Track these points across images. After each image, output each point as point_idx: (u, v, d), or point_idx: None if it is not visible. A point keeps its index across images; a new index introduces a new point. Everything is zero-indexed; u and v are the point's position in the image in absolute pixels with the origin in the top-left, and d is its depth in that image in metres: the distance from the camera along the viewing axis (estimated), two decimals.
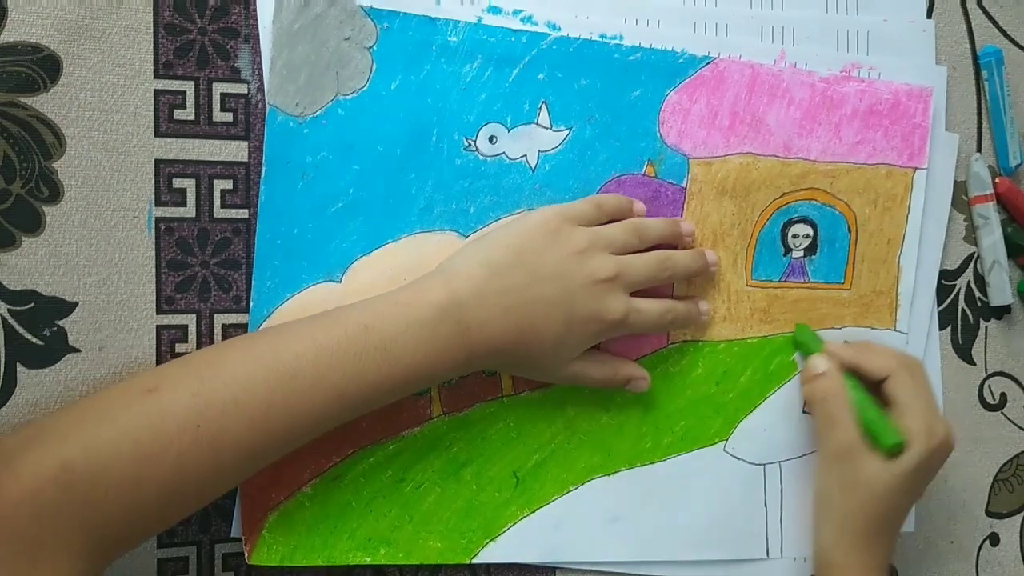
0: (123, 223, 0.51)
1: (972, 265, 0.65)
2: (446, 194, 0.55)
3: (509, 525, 0.56)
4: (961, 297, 0.65)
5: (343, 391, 0.46)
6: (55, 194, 0.50)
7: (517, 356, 0.51)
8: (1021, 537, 0.66)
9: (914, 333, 0.63)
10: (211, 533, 0.53)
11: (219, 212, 0.53)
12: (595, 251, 0.52)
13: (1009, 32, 0.66)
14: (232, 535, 0.53)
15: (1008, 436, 0.66)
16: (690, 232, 0.57)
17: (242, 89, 0.53)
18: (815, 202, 0.60)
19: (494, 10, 0.56)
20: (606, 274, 0.51)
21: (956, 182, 0.64)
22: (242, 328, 0.53)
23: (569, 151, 0.57)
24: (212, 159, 0.53)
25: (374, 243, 0.54)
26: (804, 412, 0.60)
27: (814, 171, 0.60)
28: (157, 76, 0.52)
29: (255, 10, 0.53)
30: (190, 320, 0.52)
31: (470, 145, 0.56)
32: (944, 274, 0.65)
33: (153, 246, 0.52)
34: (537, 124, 0.56)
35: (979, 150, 0.66)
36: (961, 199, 0.65)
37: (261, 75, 0.53)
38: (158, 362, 0.52)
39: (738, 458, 0.59)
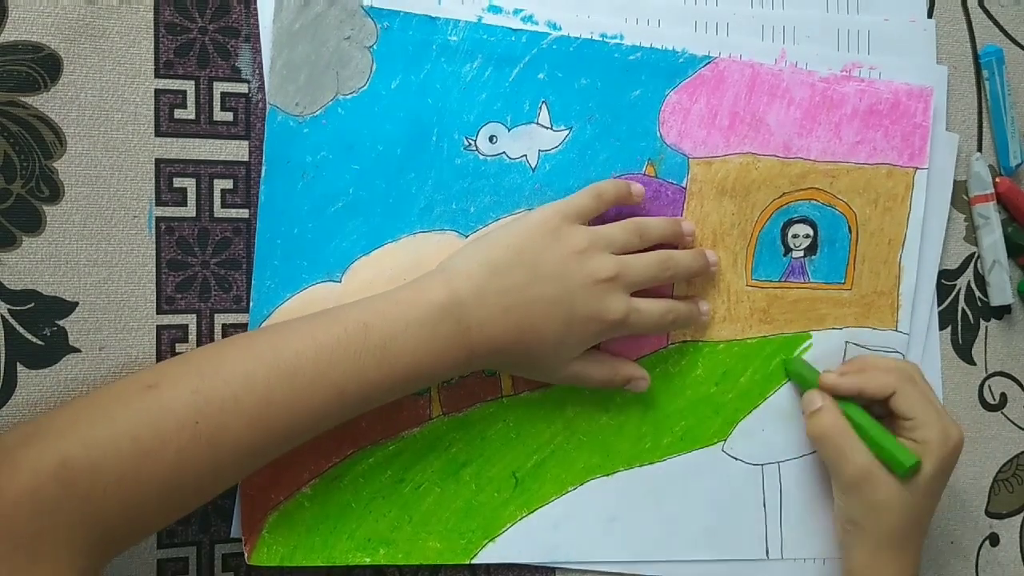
0: (123, 223, 0.51)
1: (972, 265, 0.65)
2: (446, 194, 0.55)
3: (508, 525, 0.56)
4: (961, 297, 0.65)
5: (343, 389, 0.46)
6: (55, 194, 0.50)
7: (517, 355, 0.51)
8: (1021, 537, 0.66)
9: (914, 333, 0.63)
10: (211, 533, 0.53)
11: (219, 212, 0.53)
12: (595, 251, 0.52)
13: (1010, 31, 0.66)
14: (232, 535, 0.53)
15: (1008, 436, 0.66)
16: (691, 232, 0.57)
17: (242, 88, 0.53)
18: (815, 202, 0.60)
19: (494, 9, 0.56)
20: (606, 274, 0.51)
21: (956, 182, 0.64)
22: (242, 328, 0.53)
23: (569, 151, 0.57)
24: (212, 159, 0.53)
25: (374, 243, 0.54)
26: (803, 413, 0.60)
27: (814, 171, 0.60)
28: (158, 75, 0.52)
29: (255, 9, 0.53)
30: (190, 320, 0.52)
31: (470, 145, 0.56)
32: (944, 274, 0.65)
33: (153, 246, 0.52)
34: (537, 124, 0.56)
35: (979, 150, 0.66)
36: (961, 199, 0.65)
37: (261, 74, 0.53)
38: (158, 362, 0.52)
39: (737, 459, 0.59)
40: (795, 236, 0.60)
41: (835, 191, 0.61)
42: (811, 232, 0.60)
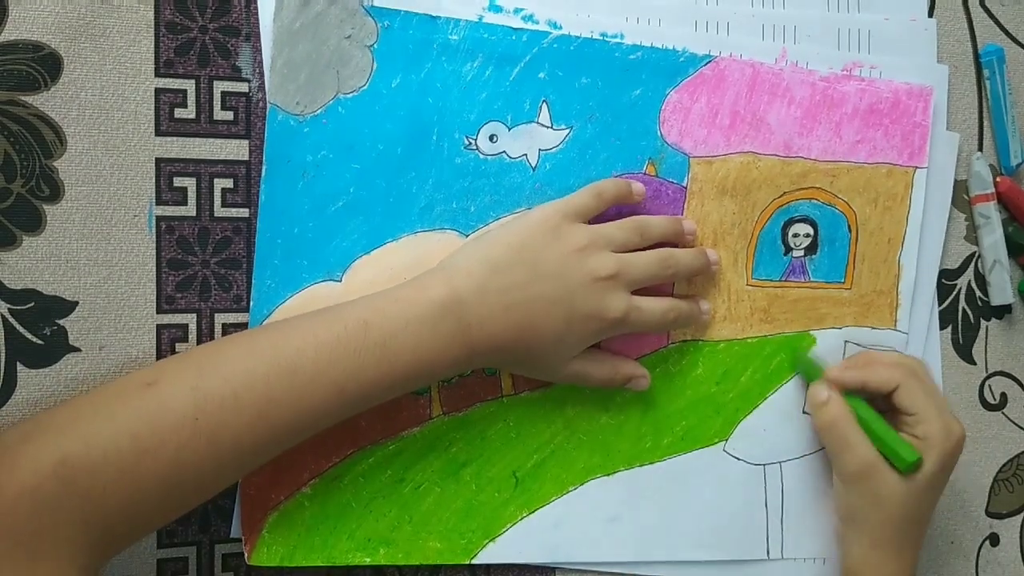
0: (123, 222, 0.51)
1: (973, 264, 0.65)
2: (446, 193, 0.55)
3: (509, 525, 0.56)
4: (962, 296, 0.65)
5: (343, 387, 0.46)
6: (55, 193, 0.50)
7: (517, 354, 0.51)
8: (1021, 537, 0.66)
9: (914, 332, 0.63)
10: (211, 533, 0.53)
11: (220, 211, 0.53)
12: (595, 249, 0.52)
13: (1010, 30, 0.66)
14: (232, 535, 0.53)
15: (1008, 436, 0.66)
16: (692, 231, 0.57)
17: (243, 88, 0.53)
18: (815, 201, 0.60)
19: (495, 8, 0.56)
20: (606, 272, 0.51)
21: (957, 181, 0.64)
22: (242, 327, 0.53)
23: (570, 150, 0.57)
24: (213, 158, 0.53)
25: (374, 242, 0.54)
26: (804, 412, 0.60)
27: (814, 170, 0.60)
28: (158, 74, 0.52)
29: (256, 8, 0.53)
30: (190, 319, 0.52)
31: (470, 144, 0.55)
32: (945, 273, 0.65)
33: (153, 245, 0.52)
34: (538, 123, 0.56)
35: (980, 149, 0.66)
36: (962, 198, 0.65)
37: (262, 73, 0.53)
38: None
39: (738, 458, 0.59)
40: (795, 235, 0.60)
41: (835, 190, 0.61)
42: (811, 231, 0.60)
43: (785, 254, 0.60)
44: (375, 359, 0.47)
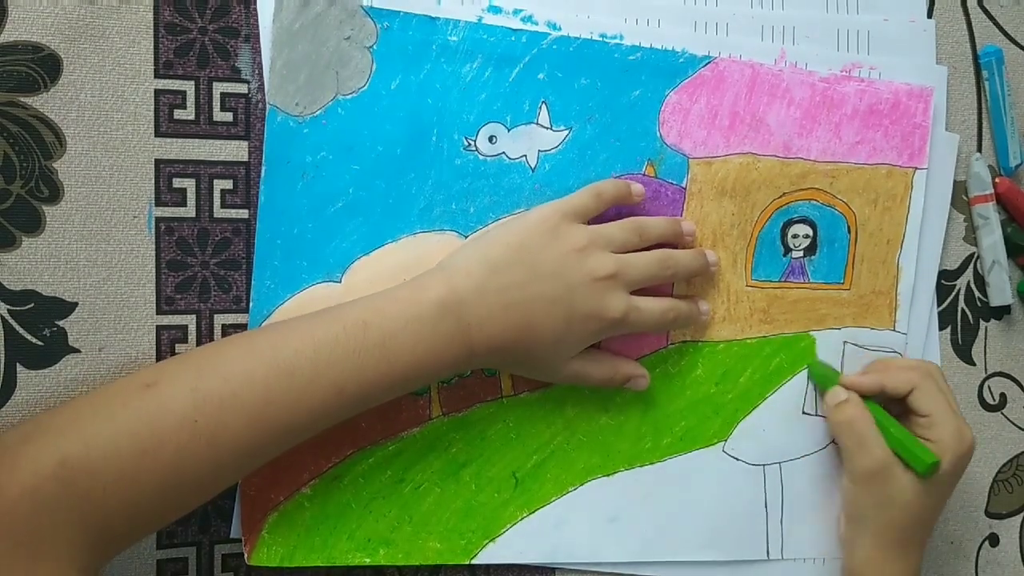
0: (123, 223, 0.51)
1: (972, 265, 0.65)
2: (446, 194, 0.55)
3: (508, 526, 0.56)
4: (961, 297, 0.65)
5: (342, 387, 0.46)
6: (55, 194, 0.50)
7: (517, 354, 0.51)
8: (1021, 537, 0.66)
9: (914, 333, 0.63)
10: (211, 534, 0.53)
11: (219, 212, 0.53)
12: (595, 249, 0.52)
13: (1009, 32, 0.66)
14: (232, 536, 0.53)
15: (1008, 436, 0.66)
16: (691, 232, 0.57)
17: (242, 89, 0.53)
18: (815, 202, 0.60)
19: (494, 9, 0.56)
20: (605, 272, 0.51)
21: (956, 182, 0.64)
22: (242, 328, 0.53)
23: (569, 151, 0.57)
24: (212, 159, 0.53)
25: (374, 243, 0.54)
26: (804, 413, 0.60)
27: (814, 171, 0.60)
28: (157, 76, 0.52)
29: (255, 9, 0.53)
30: (190, 320, 0.52)
31: (470, 145, 0.56)
32: (944, 274, 0.65)
33: (153, 246, 0.52)
34: (537, 124, 0.56)
35: (979, 150, 0.66)
36: (961, 199, 0.65)
37: (261, 75, 0.53)
38: (158, 362, 0.52)
39: (737, 459, 0.59)
40: (795, 236, 0.60)
41: (835, 191, 0.61)
42: (811, 232, 0.60)
43: (784, 255, 0.60)
44: (374, 359, 0.47)
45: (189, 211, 0.52)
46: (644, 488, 0.58)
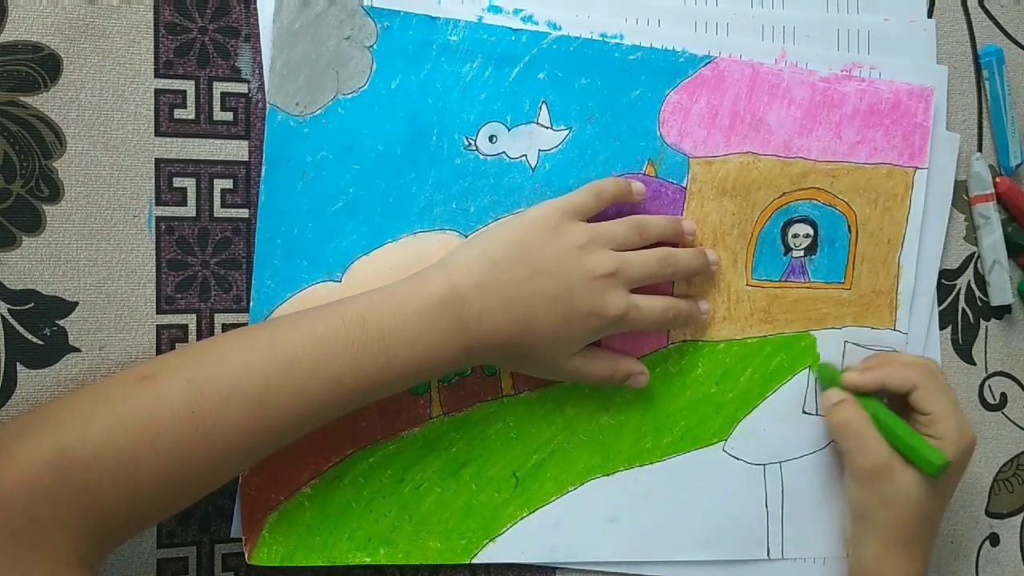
0: (123, 223, 0.51)
1: (972, 265, 0.65)
2: (446, 194, 0.55)
3: (509, 525, 0.56)
4: (961, 297, 0.65)
5: (340, 381, 0.46)
6: (55, 194, 0.50)
7: (516, 351, 0.51)
8: (1021, 537, 0.66)
9: (914, 333, 0.63)
10: (211, 533, 0.53)
11: (219, 211, 0.53)
12: (595, 246, 0.52)
13: (1010, 31, 0.66)
14: (232, 535, 0.53)
15: (1008, 436, 0.66)
16: (692, 231, 0.57)
17: (242, 88, 0.53)
18: (815, 202, 0.60)
19: (495, 9, 0.56)
20: (605, 269, 0.51)
21: (956, 181, 0.64)
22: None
23: (569, 150, 0.57)
24: (212, 158, 0.53)
25: (374, 243, 0.54)
26: (804, 412, 0.60)
27: (814, 171, 0.60)
28: (157, 75, 0.52)
29: (255, 9, 0.53)
30: (190, 320, 0.52)
31: (470, 144, 0.56)
32: (944, 274, 0.65)
33: (153, 246, 0.52)
34: (537, 123, 0.56)
35: (980, 149, 0.66)
36: (962, 199, 0.65)
37: (261, 74, 0.53)
38: None
39: (737, 458, 0.59)
40: (795, 236, 0.60)
41: (835, 191, 0.61)
42: (811, 232, 0.60)
43: (785, 254, 0.60)
44: (373, 354, 0.47)
45: (189, 211, 0.52)
46: (644, 488, 0.58)
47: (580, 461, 0.57)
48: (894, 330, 0.62)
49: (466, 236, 0.55)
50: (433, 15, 0.55)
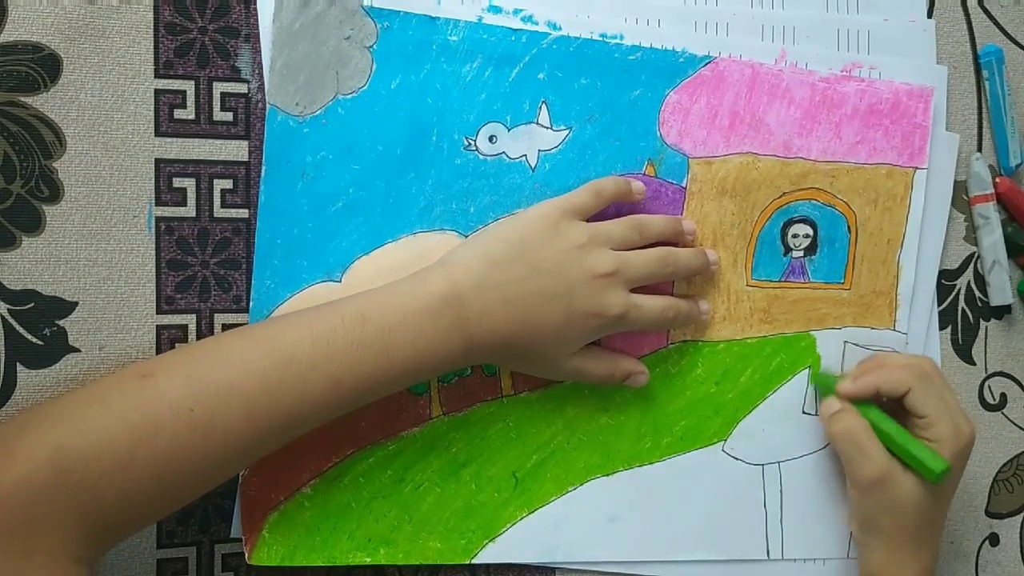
0: (123, 223, 0.51)
1: (972, 265, 0.65)
2: (446, 194, 0.55)
3: (508, 525, 0.56)
4: (961, 297, 0.65)
5: (340, 379, 0.46)
6: (55, 194, 0.50)
7: (516, 350, 0.51)
8: (1021, 537, 0.66)
9: (914, 333, 0.63)
10: (211, 533, 0.53)
11: (219, 212, 0.53)
12: (595, 246, 0.52)
13: (1010, 31, 0.66)
14: (232, 535, 0.53)
15: (1008, 436, 0.66)
16: (692, 230, 0.57)
17: (242, 88, 0.53)
18: (815, 202, 0.60)
19: (494, 9, 0.56)
20: (605, 269, 0.51)
21: (956, 182, 0.64)
22: None
23: (569, 151, 0.57)
24: (212, 159, 0.53)
25: (374, 243, 0.54)
26: (804, 412, 0.60)
27: (814, 171, 0.60)
28: (157, 75, 0.52)
29: (255, 9, 0.53)
30: (190, 320, 0.52)
31: (470, 145, 0.56)
32: (944, 274, 0.65)
33: (153, 246, 0.52)
34: (537, 124, 0.56)
35: (979, 150, 0.66)
36: (961, 199, 0.65)
37: (261, 74, 0.53)
38: None
39: (737, 458, 0.59)
40: (795, 236, 0.60)
41: (835, 191, 0.61)
42: (811, 232, 0.60)
43: (785, 255, 0.60)
44: (372, 352, 0.47)
45: (189, 211, 0.53)
46: (644, 488, 0.58)
47: (580, 461, 0.57)
48: (894, 330, 0.62)
49: (466, 236, 0.55)
50: (433, 15, 0.55)
